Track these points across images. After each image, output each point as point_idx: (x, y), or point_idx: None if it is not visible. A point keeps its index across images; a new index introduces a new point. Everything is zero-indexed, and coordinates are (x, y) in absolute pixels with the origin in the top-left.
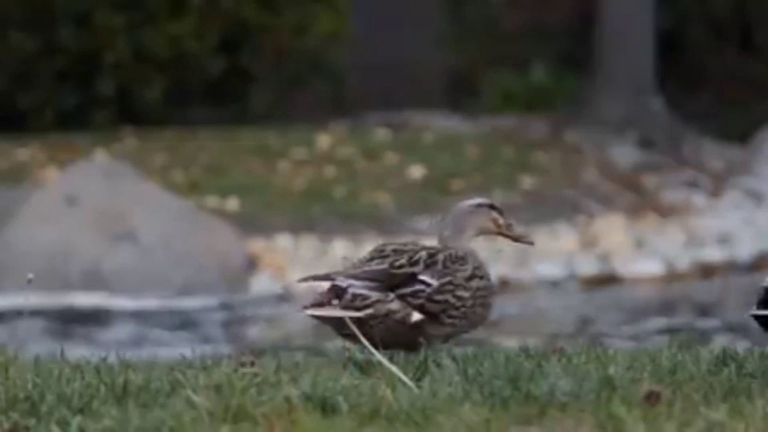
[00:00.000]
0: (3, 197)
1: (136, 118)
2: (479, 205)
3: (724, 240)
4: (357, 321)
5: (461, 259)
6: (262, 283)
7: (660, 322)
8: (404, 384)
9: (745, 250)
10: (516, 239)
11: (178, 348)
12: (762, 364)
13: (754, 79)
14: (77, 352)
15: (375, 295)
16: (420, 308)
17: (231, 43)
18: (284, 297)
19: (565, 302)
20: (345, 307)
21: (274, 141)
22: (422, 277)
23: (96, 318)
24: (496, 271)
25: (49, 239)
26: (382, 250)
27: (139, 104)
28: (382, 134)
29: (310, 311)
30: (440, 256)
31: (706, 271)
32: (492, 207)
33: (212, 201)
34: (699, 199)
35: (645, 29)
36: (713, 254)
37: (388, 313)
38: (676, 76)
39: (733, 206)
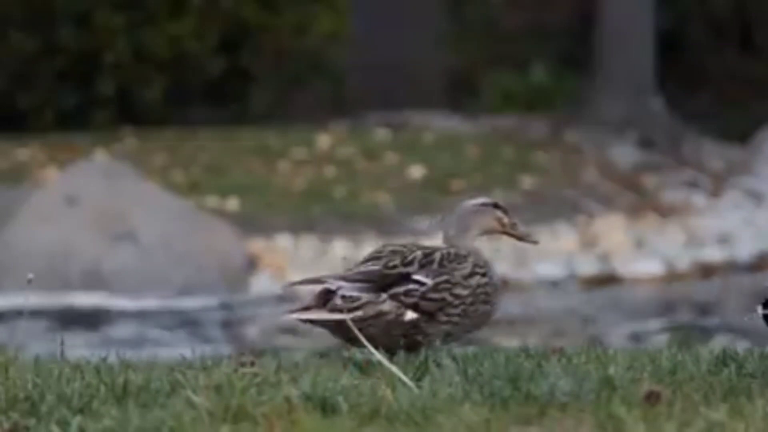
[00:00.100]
0: (3, 197)
1: (136, 118)
2: (484, 204)
3: (724, 240)
4: (341, 323)
5: (460, 257)
6: (262, 283)
7: (660, 322)
8: (404, 384)
9: (745, 250)
10: (520, 238)
11: (178, 348)
12: (762, 364)
13: (754, 79)
14: (77, 352)
15: (365, 297)
16: (414, 307)
17: (231, 43)
18: (284, 297)
19: (565, 302)
20: (333, 310)
21: (274, 141)
22: (416, 277)
23: (96, 318)
24: (495, 271)
25: (49, 239)
26: (380, 252)
27: (139, 104)
28: (382, 134)
29: (296, 315)
30: (437, 255)
31: (706, 271)
32: (496, 206)
33: (212, 201)
34: (699, 199)
35: (645, 29)
36: (713, 254)
37: (380, 314)
38: (676, 76)
39: (733, 206)
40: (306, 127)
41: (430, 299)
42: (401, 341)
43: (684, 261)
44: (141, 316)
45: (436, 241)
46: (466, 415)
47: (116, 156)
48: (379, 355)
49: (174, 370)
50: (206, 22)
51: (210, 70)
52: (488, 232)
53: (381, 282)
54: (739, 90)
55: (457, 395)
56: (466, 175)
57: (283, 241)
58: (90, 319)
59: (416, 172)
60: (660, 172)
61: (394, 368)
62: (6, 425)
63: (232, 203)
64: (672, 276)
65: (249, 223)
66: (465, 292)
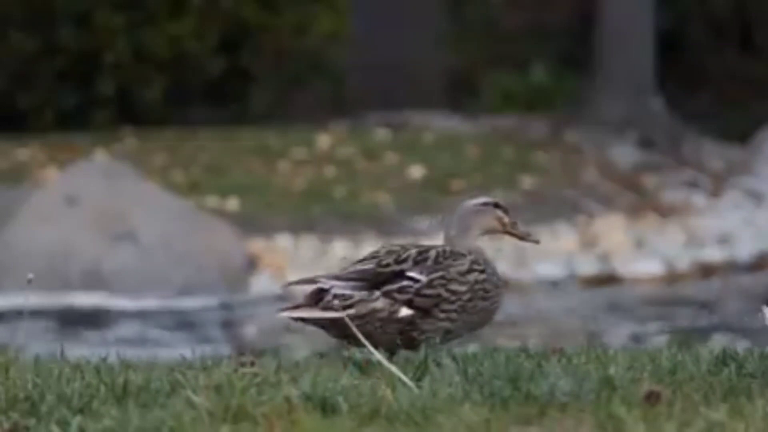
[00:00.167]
0: (3, 197)
1: (136, 118)
2: (485, 204)
3: (724, 240)
4: (334, 321)
5: (457, 255)
6: (262, 283)
7: (660, 322)
8: (404, 384)
9: (745, 250)
10: (521, 238)
11: (178, 348)
12: (762, 364)
13: (754, 79)
14: (77, 351)
15: (358, 295)
16: (408, 303)
17: (231, 43)
18: (284, 297)
19: (565, 302)
20: (325, 308)
21: (274, 141)
22: (410, 274)
23: (96, 318)
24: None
25: (49, 239)
26: (377, 252)
27: (139, 104)
28: (382, 134)
29: (288, 313)
30: (432, 253)
31: (706, 271)
32: (497, 206)
33: (212, 201)
34: (699, 199)
35: (645, 29)
36: (713, 254)
37: (373, 312)
38: (676, 76)
39: (733, 206)
40: (306, 127)
41: (425, 295)
42: (398, 339)
43: (684, 261)
44: (141, 316)
45: (437, 241)
46: (466, 415)
47: (116, 156)
48: (378, 355)
49: (174, 370)
50: (206, 22)
51: (210, 70)
52: (489, 231)
53: (374, 280)
54: (739, 90)
55: (457, 395)
56: (466, 175)
57: (283, 241)
58: (90, 319)
59: (416, 172)
60: (660, 172)
61: (394, 368)
62: (6, 425)
63: (232, 203)
64: (672, 276)
65: (249, 223)
66: (462, 288)
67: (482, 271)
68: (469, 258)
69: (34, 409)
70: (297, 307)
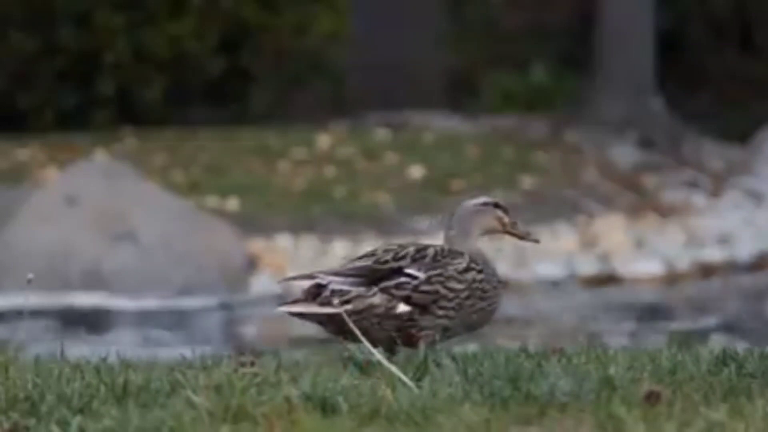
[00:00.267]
0: (3, 197)
1: (136, 118)
2: (485, 204)
3: (724, 240)
4: (331, 316)
5: (455, 254)
6: (262, 283)
7: (660, 322)
8: (404, 384)
9: (745, 250)
10: (522, 237)
11: (178, 348)
12: (762, 364)
13: (754, 79)
14: (77, 351)
15: (355, 290)
16: (406, 300)
17: (231, 43)
18: (284, 297)
19: (565, 302)
20: (322, 304)
21: (274, 141)
22: (408, 270)
23: (96, 318)
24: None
25: (49, 239)
26: (375, 250)
27: (139, 104)
28: (382, 134)
29: (285, 308)
30: (430, 251)
31: (706, 271)
32: (497, 206)
33: (212, 201)
34: (699, 199)
35: (645, 29)
36: (713, 254)
37: (370, 307)
38: (676, 76)
39: (733, 206)
40: (306, 127)
41: (423, 292)
42: (397, 336)
43: (684, 261)
44: (141, 316)
45: (437, 241)
46: (466, 415)
47: (116, 156)
48: (378, 355)
49: (174, 370)
50: (206, 22)
51: (210, 70)
52: (489, 231)
53: (372, 276)
54: (739, 90)
55: (457, 395)
56: (466, 175)
57: (283, 241)
58: (90, 319)
59: (416, 172)
60: (660, 172)
61: (394, 368)
62: (6, 425)
63: (232, 203)
64: (672, 276)
65: (249, 223)
66: (460, 286)
67: (480, 271)
68: (467, 257)
69: (34, 409)
70: (295, 302)
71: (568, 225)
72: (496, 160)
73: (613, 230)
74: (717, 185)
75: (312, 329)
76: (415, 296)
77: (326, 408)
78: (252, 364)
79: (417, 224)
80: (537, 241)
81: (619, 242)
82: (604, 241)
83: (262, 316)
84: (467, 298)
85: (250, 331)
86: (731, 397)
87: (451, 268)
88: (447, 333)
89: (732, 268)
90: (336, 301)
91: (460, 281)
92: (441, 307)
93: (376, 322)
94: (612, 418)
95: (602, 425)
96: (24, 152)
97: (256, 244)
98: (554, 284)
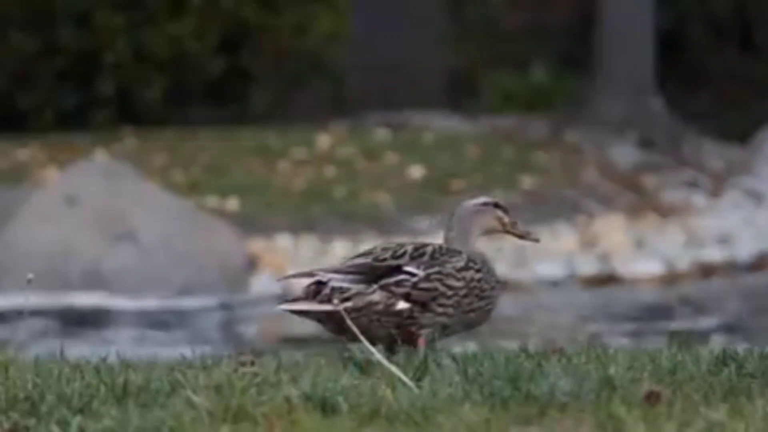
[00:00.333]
0: (3, 197)
1: (136, 118)
2: (484, 204)
3: (724, 240)
4: (331, 314)
5: (453, 252)
6: (262, 283)
7: (660, 322)
8: (404, 384)
9: (745, 250)
10: (521, 237)
11: (178, 348)
12: (762, 364)
13: (754, 79)
14: (77, 351)
15: (355, 288)
16: (406, 297)
17: (231, 43)
18: (284, 296)
19: (565, 302)
20: (322, 301)
21: (274, 141)
22: (407, 268)
23: (96, 318)
24: (496, 270)
25: (49, 239)
26: (373, 249)
27: (139, 104)
28: (382, 134)
29: (286, 306)
30: (428, 249)
31: (706, 271)
32: (497, 205)
33: (212, 201)
34: (699, 199)
35: (645, 29)
36: (713, 254)
37: (369, 304)
38: (676, 76)
39: (733, 206)
40: (306, 127)
41: (423, 289)
42: (396, 334)
43: (684, 261)
44: (141, 316)
45: (436, 240)
46: (466, 415)
47: (116, 156)
48: (378, 355)
49: (174, 370)
50: (206, 22)
51: (210, 70)
52: (489, 231)
53: (371, 274)
54: (739, 90)
55: (457, 395)
56: (466, 175)
57: (283, 241)
58: (90, 319)
59: (416, 172)
60: (660, 172)
61: (394, 368)
62: (6, 425)
63: (232, 203)
64: (672, 276)
65: (249, 223)
66: (458, 284)
67: (478, 270)
68: (465, 255)
69: (34, 409)
70: (295, 300)
71: (568, 225)
72: (496, 160)
73: (613, 230)
74: (717, 185)
75: (311, 329)
76: (415, 293)
77: (326, 408)
78: (252, 364)
79: (417, 224)
80: (537, 240)
81: (619, 242)
82: (604, 241)
83: (262, 315)
84: (465, 296)
85: (250, 331)
86: (731, 397)
87: (449, 266)
88: (446, 331)
89: (732, 268)
90: (336, 300)
91: (458, 279)
92: (440, 305)
93: (376, 319)
94: (612, 418)
95: (602, 425)
96: (24, 152)
97: (256, 244)
98: (554, 284)
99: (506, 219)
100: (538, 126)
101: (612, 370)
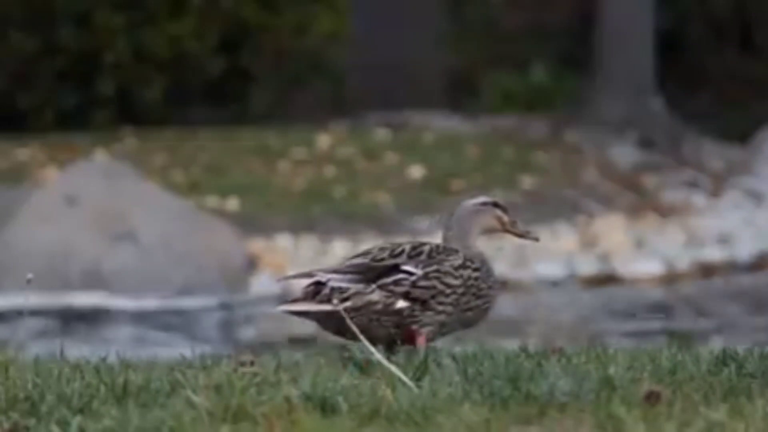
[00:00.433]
0: (3, 197)
1: (136, 118)
2: (484, 204)
3: (724, 240)
4: (331, 314)
5: (450, 251)
6: (262, 283)
7: (660, 322)
8: (404, 384)
9: (745, 250)
10: (521, 236)
11: (177, 348)
12: (762, 364)
13: (754, 79)
14: (77, 351)
15: (354, 288)
16: (405, 296)
17: (231, 43)
18: (283, 296)
19: (565, 302)
20: (321, 301)
21: (274, 141)
22: (405, 267)
23: (96, 318)
24: (496, 270)
25: (49, 239)
26: (371, 249)
27: (139, 104)
28: (382, 134)
29: (285, 307)
30: (426, 248)
31: (706, 271)
32: (496, 205)
33: (212, 201)
34: (699, 199)
35: (645, 29)
36: (713, 254)
37: (368, 304)
38: (676, 76)
39: (733, 206)
40: (306, 127)
41: (422, 287)
42: (396, 333)
43: (684, 261)
44: (141, 316)
45: (435, 240)
46: (466, 415)
47: (116, 156)
48: (378, 355)
49: (174, 370)
50: (206, 22)
51: (210, 70)
52: (489, 230)
53: (370, 274)
54: (739, 90)
55: (457, 395)
56: (466, 175)
57: (283, 241)
58: (90, 319)
59: (416, 172)
60: (660, 172)
61: (394, 368)
62: (6, 425)
63: (232, 203)
64: (672, 276)
65: (249, 223)
66: (456, 282)
67: (476, 269)
68: (462, 254)
69: (34, 409)
70: (294, 301)
71: (568, 225)
72: (496, 160)
73: (613, 230)
74: (717, 185)
75: (311, 329)
76: (414, 292)
77: (326, 408)
78: (252, 363)
79: (417, 224)
80: (537, 239)
81: (619, 242)
82: (604, 241)
83: (262, 315)
84: (463, 294)
85: (249, 331)
86: (731, 397)
87: (446, 264)
88: (443, 329)
89: (732, 268)
90: (336, 301)
91: (456, 277)
92: (439, 303)
93: (375, 318)
94: (612, 418)
95: (602, 425)
96: (24, 152)
97: (256, 244)
98: (554, 284)
99: (505, 218)
100: (538, 126)
101: (612, 370)
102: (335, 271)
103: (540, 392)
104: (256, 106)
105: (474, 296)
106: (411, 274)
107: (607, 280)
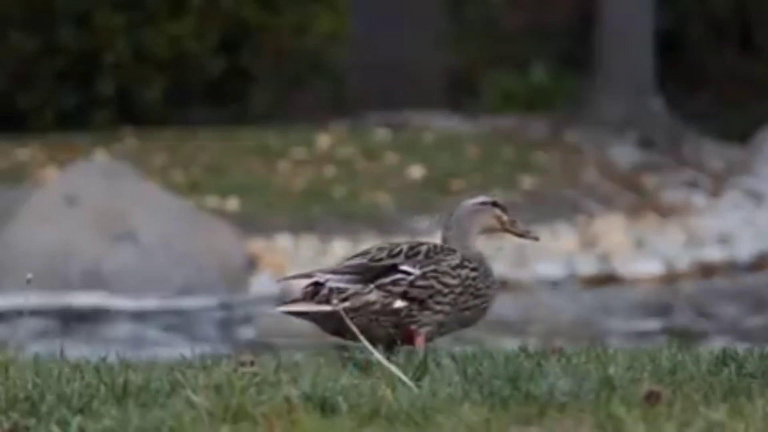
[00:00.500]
0: (3, 197)
1: (136, 118)
2: (483, 203)
3: (724, 240)
4: (330, 314)
5: (447, 251)
6: (262, 283)
7: (660, 322)
8: (404, 384)
9: (745, 250)
10: (521, 235)
11: (177, 348)
12: (762, 364)
13: (754, 79)
14: (77, 351)
15: (352, 288)
16: (403, 295)
17: (231, 43)
18: (283, 297)
19: (565, 302)
20: (320, 302)
21: (274, 141)
22: (403, 267)
23: (96, 318)
24: (495, 270)
25: (49, 239)
26: (369, 249)
27: (139, 104)
28: (382, 134)
29: (284, 308)
30: (423, 248)
31: (706, 271)
32: (495, 204)
33: (212, 201)
34: (699, 199)
35: (645, 29)
36: (713, 254)
37: (366, 304)
38: (676, 76)
39: (733, 206)
40: (306, 127)
41: (420, 287)
42: (395, 333)
43: (684, 261)
44: (141, 316)
45: (434, 240)
46: (466, 415)
47: (116, 156)
48: (378, 355)
49: (174, 370)
50: (206, 22)
51: (210, 70)
52: (488, 230)
53: (368, 274)
54: (739, 90)
55: (457, 395)
56: (466, 175)
57: (283, 241)
58: (90, 319)
59: (416, 172)
60: (660, 172)
61: (393, 368)
62: (6, 425)
63: (232, 203)
64: (672, 276)
65: (249, 223)
66: (454, 282)
67: (474, 269)
68: (460, 254)
69: (34, 409)
70: (293, 301)
71: (568, 225)
72: (496, 160)
73: (613, 230)
74: (717, 185)
75: (311, 329)
76: (412, 292)
77: (326, 408)
78: (252, 363)
79: (417, 224)
80: (536, 239)
81: (619, 242)
82: (604, 241)
83: (261, 315)
84: (461, 294)
85: (249, 331)
86: (731, 397)
87: (444, 264)
88: (441, 329)
89: (732, 268)
90: (335, 301)
91: (453, 276)
92: (437, 302)
93: (374, 318)
94: (612, 418)
95: (602, 425)
96: (24, 152)
97: (256, 244)
98: (554, 284)
99: (505, 218)
100: (538, 126)
101: (612, 370)
102: (333, 272)
103: (540, 392)
104: (256, 106)
105: (472, 296)
106: (409, 273)
107: (607, 280)
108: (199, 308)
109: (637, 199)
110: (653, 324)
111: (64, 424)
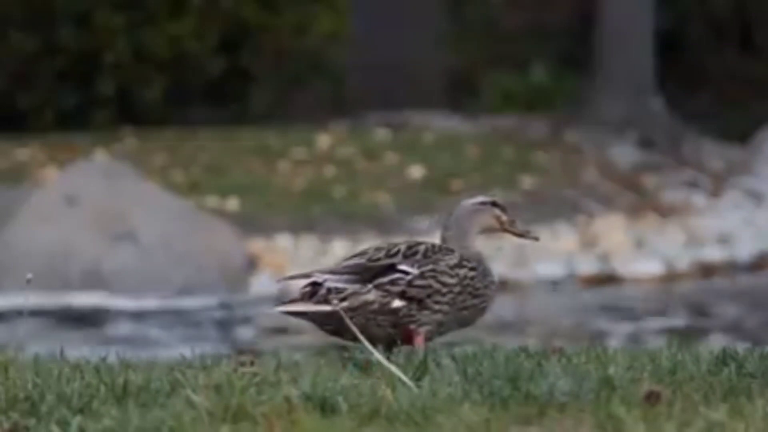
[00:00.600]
0: (3, 197)
1: (136, 118)
2: (482, 203)
3: (724, 240)
4: (329, 314)
5: (446, 250)
6: (262, 283)
7: (660, 322)
8: (404, 384)
9: (745, 250)
10: (520, 235)
11: (177, 348)
12: (762, 364)
13: (754, 79)
14: (77, 352)
15: (351, 288)
16: (401, 295)
17: (231, 43)
18: (283, 297)
19: (565, 302)
20: (319, 302)
21: (274, 141)
22: (401, 267)
23: (96, 318)
24: (495, 270)
25: (49, 239)
26: (367, 249)
27: (139, 104)
28: (382, 134)
29: (282, 308)
30: (421, 248)
31: (706, 271)
32: (495, 204)
33: (212, 201)
34: (699, 199)
35: (645, 29)
36: (713, 254)
37: (365, 304)
38: (676, 76)
39: (733, 206)
40: (306, 127)
41: (418, 286)
42: (394, 333)
43: (684, 261)
44: (141, 316)
45: (433, 240)
46: (466, 415)
47: (116, 156)
48: (378, 355)
49: (174, 369)
50: (206, 22)
51: (210, 70)
52: (488, 230)
53: (366, 274)
54: (739, 90)
55: (457, 395)
56: (466, 175)
57: (283, 241)
58: (89, 319)
59: (416, 172)
60: (660, 172)
61: (393, 368)
62: (6, 425)
63: (232, 203)
64: (672, 276)
65: (249, 223)
66: (452, 281)
67: (473, 269)
68: (458, 254)
69: (34, 409)
70: (292, 301)
71: (568, 225)
72: (496, 160)
73: (613, 230)
74: (717, 185)
75: (311, 329)
76: (410, 291)
77: (326, 408)
78: (251, 363)
79: (417, 224)
80: (536, 239)
81: (619, 242)
82: (604, 241)
83: (261, 315)
84: (459, 293)
85: (249, 331)
86: (731, 397)
87: (442, 263)
88: (440, 329)
89: (732, 268)
90: (335, 301)
91: (452, 276)
92: (436, 302)
93: (372, 318)
94: (612, 418)
95: (602, 425)
96: (24, 152)
97: (256, 244)
98: (554, 284)
99: (504, 218)
100: (538, 126)
101: (612, 370)
102: (332, 272)
103: (540, 392)
104: (256, 106)
105: (470, 295)
106: (407, 273)
107: (607, 280)
108: (199, 308)
109: (637, 199)
110: (653, 324)
111: (64, 424)
